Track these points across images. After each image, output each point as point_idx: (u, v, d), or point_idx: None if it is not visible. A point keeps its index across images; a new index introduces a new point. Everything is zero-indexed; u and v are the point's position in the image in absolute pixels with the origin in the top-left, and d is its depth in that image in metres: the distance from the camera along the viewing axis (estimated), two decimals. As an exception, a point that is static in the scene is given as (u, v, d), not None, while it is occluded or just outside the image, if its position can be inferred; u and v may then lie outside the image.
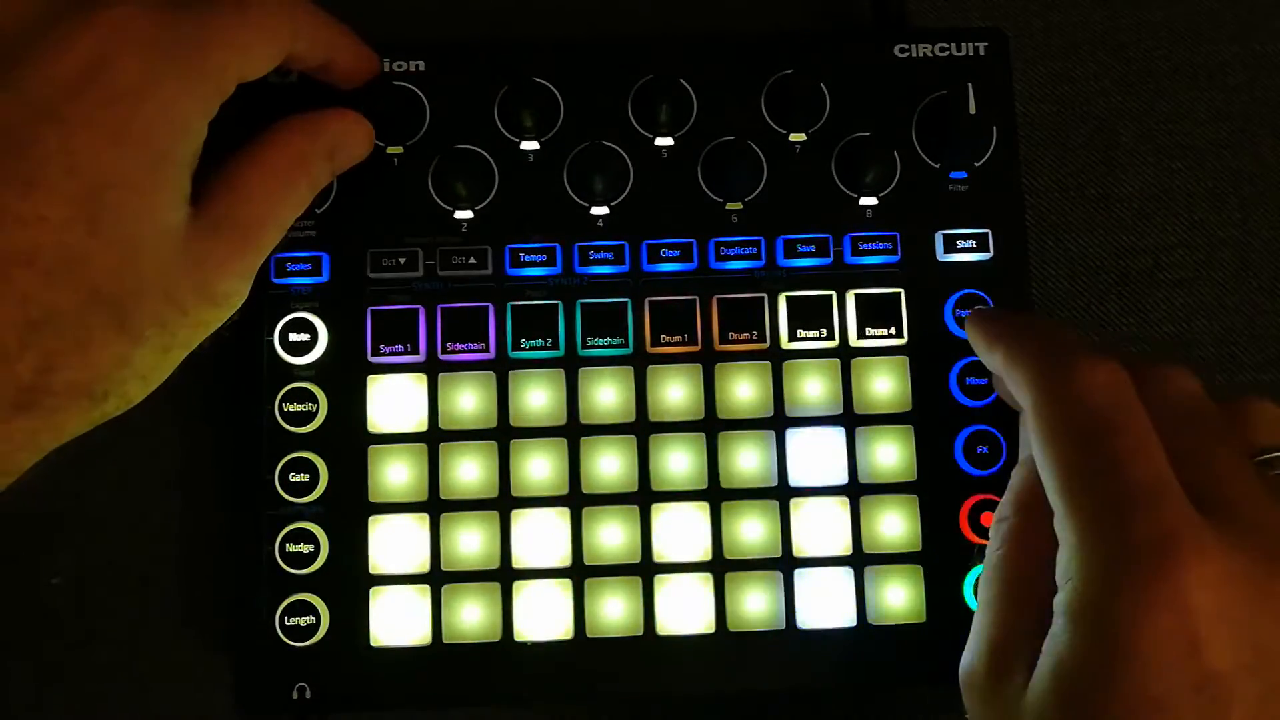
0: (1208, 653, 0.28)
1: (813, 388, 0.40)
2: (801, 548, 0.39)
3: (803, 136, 0.41)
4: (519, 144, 0.40)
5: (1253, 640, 0.28)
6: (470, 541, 0.39)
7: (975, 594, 0.37)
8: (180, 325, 0.32)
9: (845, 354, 0.40)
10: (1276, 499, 0.30)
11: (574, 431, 0.39)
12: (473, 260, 0.40)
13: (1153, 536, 0.28)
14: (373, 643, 0.38)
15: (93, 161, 0.30)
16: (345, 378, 0.39)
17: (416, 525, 0.39)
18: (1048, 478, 0.31)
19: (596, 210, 0.40)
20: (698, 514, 0.39)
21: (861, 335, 0.40)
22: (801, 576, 0.39)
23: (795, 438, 0.39)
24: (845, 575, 0.39)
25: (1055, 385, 0.31)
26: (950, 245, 0.40)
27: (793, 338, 0.40)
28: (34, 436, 0.31)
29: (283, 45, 0.34)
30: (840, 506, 0.39)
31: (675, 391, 0.39)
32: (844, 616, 0.38)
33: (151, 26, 0.31)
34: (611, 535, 0.39)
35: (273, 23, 0.34)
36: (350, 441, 0.39)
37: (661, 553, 0.39)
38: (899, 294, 0.40)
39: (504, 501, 0.39)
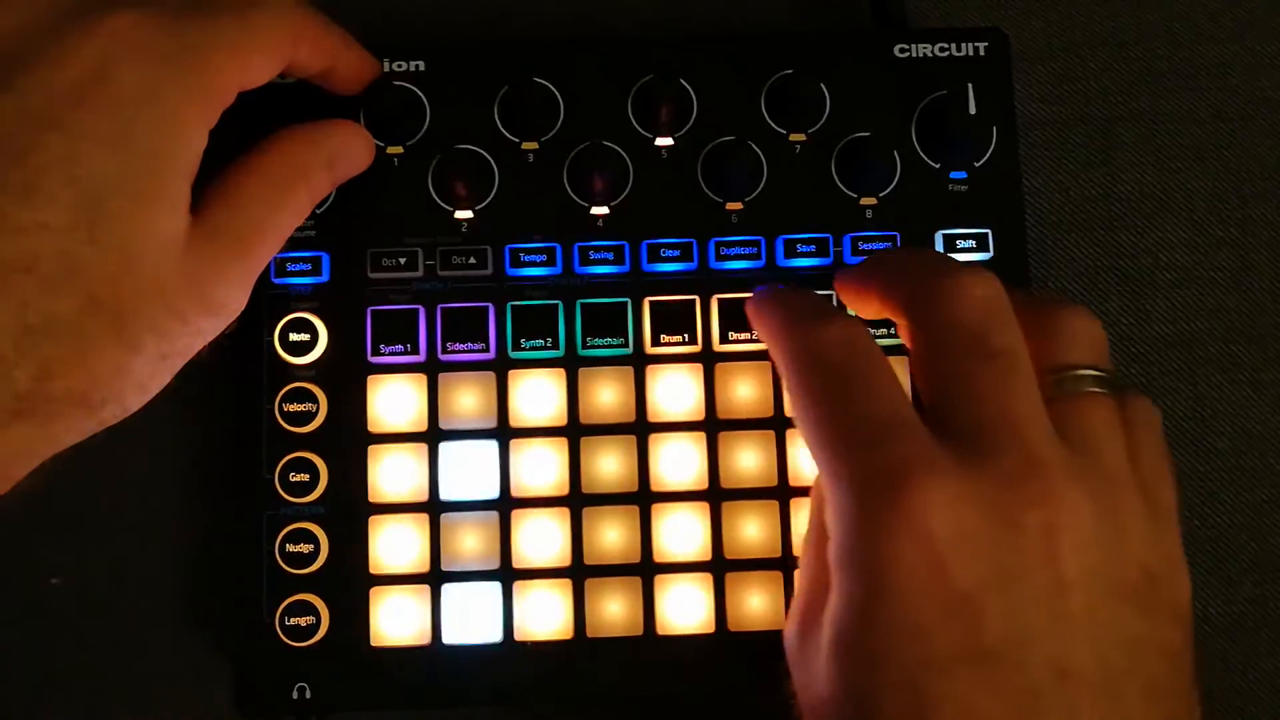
0: (951, 573, 0.28)
1: (813, 388, 0.40)
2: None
3: (803, 136, 0.41)
4: (519, 144, 0.40)
5: (994, 556, 0.28)
6: (470, 541, 0.39)
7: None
8: (179, 333, 0.32)
9: (845, 354, 0.40)
10: (1036, 420, 0.30)
11: (574, 431, 0.39)
12: (473, 260, 0.40)
13: (885, 469, 0.29)
14: (373, 643, 0.38)
15: (93, 170, 0.30)
16: (345, 378, 0.39)
17: (416, 525, 0.39)
18: (804, 437, 0.32)
19: (596, 210, 0.40)
20: (698, 514, 0.39)
21: (861, 335, 0.40)
22: (801, 576, 0.39)
23: (796, 438, 0.39)
24: (845, 575, 0.39)
25: (794, 347, 0.33)
26: (950, 245, 0.40)
27: (793, 338, 0.40)
28: (31, 444, 0.31)
29: (284, 54, 0.34)
30: (840, 506, 0.39)
31: (675, 391, 0.39)
32: (844, 616, 0.38)
33: (153, 35, 0.31)
34: (611, 535, 0.39)
35: (274, 31, 0.34)
36: (350, 441, 0.39)
37: (661, 553, 0.39)
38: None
39: (504, 501, 0.39)
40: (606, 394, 0.39)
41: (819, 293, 0.38)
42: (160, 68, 0.31)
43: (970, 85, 0.41)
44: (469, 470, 0.39)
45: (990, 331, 0.31)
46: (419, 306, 0.40)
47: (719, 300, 0.40)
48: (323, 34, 0.36)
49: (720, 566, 0.39)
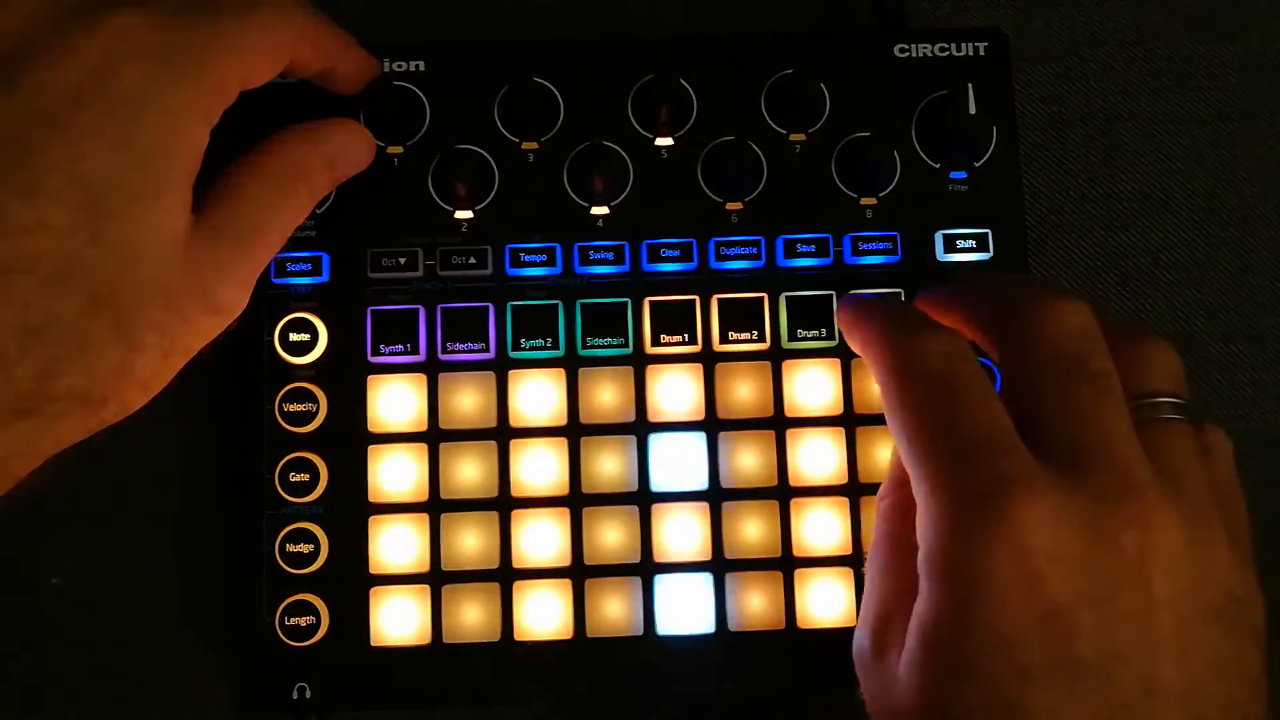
0: (1048, 587, 0.29)
1: (813, 387, 0.40)
2: (802, 547, 0.39)
3: (803, 136, 0.41)
4: (519, 144, 0.40)
5: (1090, 572, 0.29)
6: (470, 541, 0.39)
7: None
8: (180, 332, 0.32)
9: (846, 354, 0.40)
10: (1130, 441, 0.31)
11: (574, 431, 0.39)
12: (473, 260, 0.40)
13: (987, 483, 0.29)
14: (373, 643, 0.38)
15: (95, 169, 0.30)
16: (345, 378, 0.39)
17: (416, 525, 0.39)
18: (900, 446, 0.32)
19: (596, 210, 0.40)
20: (698, 514, 0.39)
21: (861, 335, 0.40)
22: (802, 576, 0.39)
23: (795, 437, 0.39)
24: (845, 575, 0.39)
25: (896, 357, 0.33)
26: (950, 245, 0.40)
27: (793, 337, 0.40)
28: (33, 443, 0.31)
29: (284, 53, 0.34)
30: (840, 506, 0.39)
31: (675, 391, 0.39)
32: (844, 616, 0.38)
33: (154, 35, 0.31)
34: (611, 535, 0.39)
35: (275, 31, 0.34)
36: (350, 441, 0.39)
37: (661, 553, 0.39)
38: (899, 294, 0.40)
39: (504, 501, 0.39)
40: (606, 394, 0.39)
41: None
42: (161, 68, 0.31)
43: (970, 85, 0.41)
44: (469, 470, 0.39)
45: (1088, 355, 0.32)
46: (419, 306, 0.40)
47: (719, 300, 0.40)
48: (323, 34, 0.36)
49: (720, 566, 0.39)
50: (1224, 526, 0.31)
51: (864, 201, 0.40)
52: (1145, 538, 0.29)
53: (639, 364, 0.40)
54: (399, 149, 0.40)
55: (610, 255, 0.40)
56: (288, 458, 0.39)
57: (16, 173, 0.29)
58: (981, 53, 0.41)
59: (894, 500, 0.35)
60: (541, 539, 0.39)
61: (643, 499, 0.39)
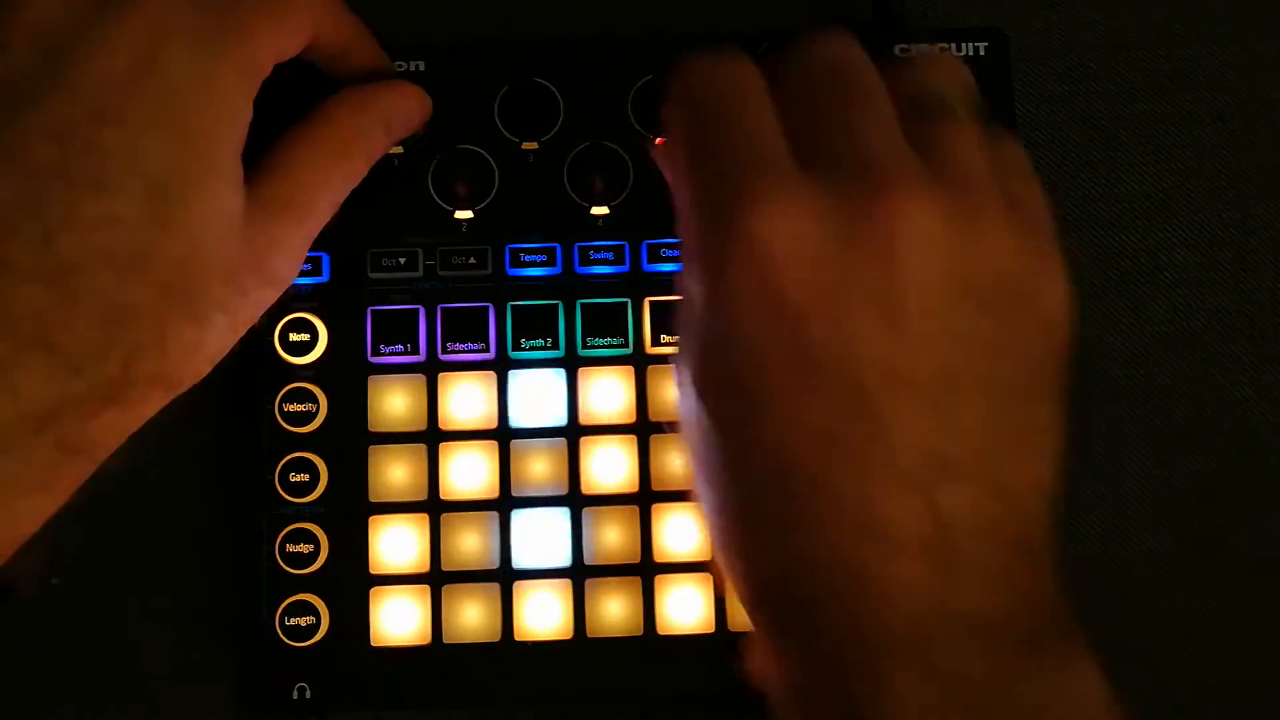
0: (784, 287, 0.29)
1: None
2: (801, 548, 0.39)
3: (803, 136, 0.41)
4: (519, 144, 0.40)
5: (829, 269, 0.29)
6: (470, 541, 0.39)
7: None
8: (241, 306, 0.33)
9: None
10: (886, 138, 0.30)
11: (574, 431, 0.39)
12: (473, 260, 0.40)
13: (731, 190, 0.29)
14: (373, 643, 0.38)
15: (153, 157, 0.30)
16: (345, 378, 0.39)
17: (416, 525, 0.39)
18: (675, 188, 0.32)
19: (596, 210, 0.40)
20: (698, 514, 0.39)
21: (861, 335, 0.40)
22: (801, 576, 0.39)
23: (795, 438, 0.39)
24: (845, 575, 0.39)
25: (673, 85, 0.32)
26: (950, 245, 0.40)
27: (793, 338, 0.40)
28: (121, 425, 0.31)
29: (311, 25, 0.35)
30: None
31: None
32: (844, 616, 0.38)
33: (192, 13, 0.31)
34: (611, 535, 0.39)
35: (304, 2, 0.34)
36: (350, 441, 0.39)
37: (661, 553, 0.39)
38: None
39: (504, 501, 0.39)
40: (607, 394, 0.39)
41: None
42: (203, 45, 0.31)
43: (970, 85, 0.41)
44: (468, 470, 0.39)
45: (844, 64, 0.32)
46: (419, 306, 0.40)
47: (719, 300, 0.40)
48: (342, 14, 0.36)
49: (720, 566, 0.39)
50: (1006, 209, 0.30)
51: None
52: (888, 224, 0.29)
53: (639, 364, 0.40)
54: (399, 149, 0.40)
55: (610, 255, 0.40)
56: (288, 458, 0.39)
57: (81, 168, 0.29)
58: (981, 53, 0.41)
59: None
60: (541, 539, 0.39)
61: (643, 499, 0.39)
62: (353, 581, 0.38)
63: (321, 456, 0.39)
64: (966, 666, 0.28)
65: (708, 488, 0.31)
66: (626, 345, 0.40)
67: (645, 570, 0.39)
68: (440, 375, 0.39)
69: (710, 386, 0.30)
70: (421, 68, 0.41)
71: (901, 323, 0.29)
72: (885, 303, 0.29)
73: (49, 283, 0.29)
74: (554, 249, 0.40)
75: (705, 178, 0.31)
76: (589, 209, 0.40)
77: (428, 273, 0.40)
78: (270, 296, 0.34)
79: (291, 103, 0.35)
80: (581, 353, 0.40)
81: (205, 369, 0.33)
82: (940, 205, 0.29)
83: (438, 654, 0.38)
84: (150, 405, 0.32)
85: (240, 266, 0.32)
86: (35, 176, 0.29)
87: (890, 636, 0.28)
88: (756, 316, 0.29)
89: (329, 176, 0.35)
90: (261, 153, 0.34)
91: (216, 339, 0.33)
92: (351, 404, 0.39)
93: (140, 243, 0.30)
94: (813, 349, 0.28)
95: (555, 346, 0.39)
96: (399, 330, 0.39)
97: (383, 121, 0.37)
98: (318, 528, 0.38)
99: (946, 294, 0.29)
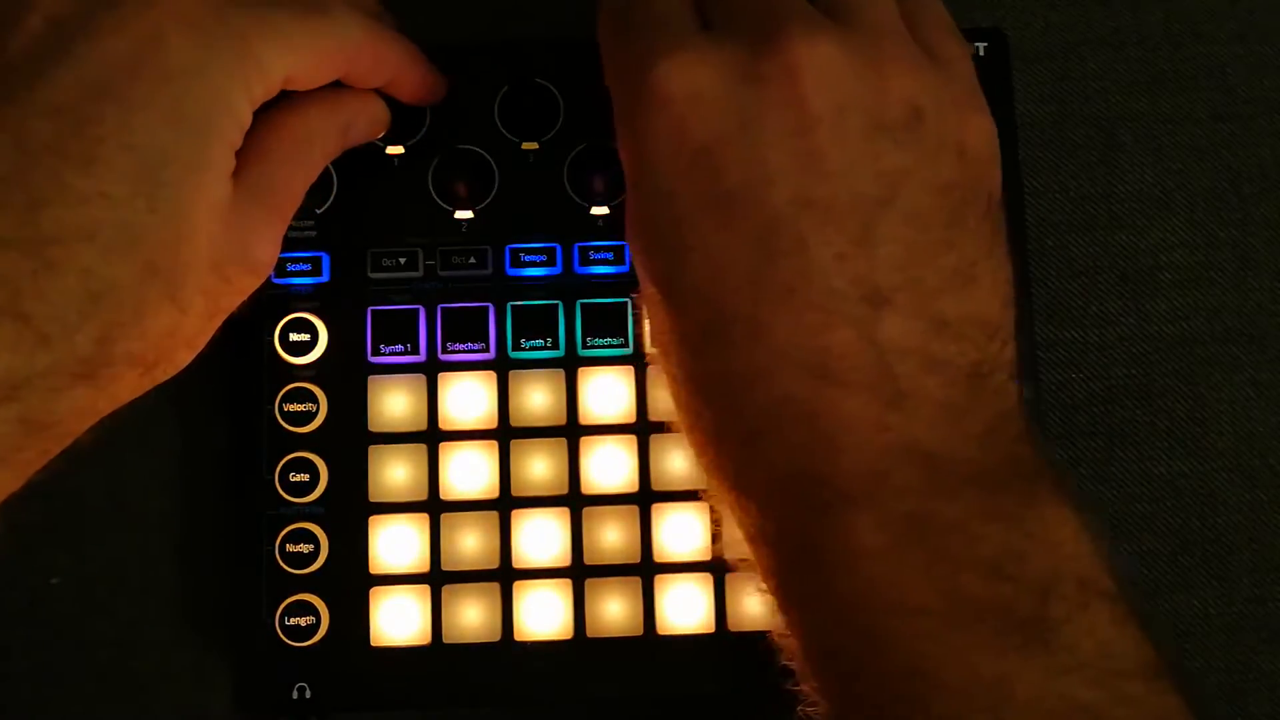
0: (690, 132, 0.30)
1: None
2: (801, 548, 0.39)
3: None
4: (519, 144, 0.40)
5: (731, 109, 0.30)
6: (470, 541, 0.39)
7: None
8: (223, 293, 0.33)
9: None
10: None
11: (574, 431, 0.39)
12: (473, 260, 0.40)
13: (640, 53, 0.31)
14: (373, 643, 0.38)
15: (149, 139, 0.30)
16: (345, 378, 0.39)
17: (416, 525, 0.39)
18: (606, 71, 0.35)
19: (596, 210, 0.40)
20: (698, 514, 0.39)
21: (861, 335, 0.40)
22: (801, 576, 0.39)
23: (795, 438, 0.39)
24: (845, 575, 0.39)
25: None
26: (950, 245, 0.40)
27: (793, 338, 0.40)
28: (91, 404, 0.31)
29: (338, 63, 0.35)
30: (840, 506, 0.39)
31: (675, 391, 0.39)
32: (844, 616, 0.38)
33: (204, 10, 0.32)
34: (611, 535, 0.39)
35: (329, 40, 0.34)
36: (350, 441, 0.39)
37: (661, 553, 0.39)
38: None
39: (504, 501, 0.39)
40: (607, 394, 0.39)
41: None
42: (208, 42, 0.31)
43: (970, 85, 0.41)
44: (468, 470, 0.39)
45: None
46: (419, 306, 0.40)
47: (719, 300, 0.40)
48: (385, 49, 0.37)
49: (720, 566, 0.39)
50: (917, 54, 0.32)
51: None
52: (789, 61, 0.30)
53: (639, 364, 0.40)
54: (399, 149, 0.40)
55: (610, 255, 0.40)
56: (288, 458, 0.39)
57: (75, 143, 0.29)
58: (981, 53, 0.41)
59: None
60: (541, 539, 0.39)
61: (643, 499, 0.39)
62: (353, 581, 0.38)
63: (321, 456, 0.39)
64: (923, 505, 0.28)
65: (668, 363, 0.33)
66: (626, 345, 0.40)
67: (645, 570, 0.39)
68: (440, 375, 0.39)
69: (643, 247, 0.32)
70: (421, 68, 0.41)
71: (814, 152, 0.30)
72: (794, 134, 0.30)
73: (27, 253, 0.29)
74: (554, 249, 0.40)
75: (620, 47, 0.33)
76: (589, 209, 0.40)
77: (428, 273, 0.40)
78: (251, 284, 0.34)
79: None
80: (581, 353, 0.40)
81: (184, 357, 0.33)
82: (841, 42, 0.30)
83: (438, 654, 0.38)
84: (123, 388, 0.32)
85: (224, 254, 0.32)
86: (28, 150, 0.29)
87: (846, 479, 0.29)
88: (668, 162, 0.31)
89: (302, 170, 0.35)
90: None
91: (194, 323, 0.33)
92: (351, 404, 0.39)
93: (128, 222, 0.30)
94: (726, 185, 0.30)
95: (555, 346, 0.39)
96: (399, 330, 0.39)
97: (343, 126, 0.37)
98: (318, 528, 0.38)
99: (858, 127, 0.30)
